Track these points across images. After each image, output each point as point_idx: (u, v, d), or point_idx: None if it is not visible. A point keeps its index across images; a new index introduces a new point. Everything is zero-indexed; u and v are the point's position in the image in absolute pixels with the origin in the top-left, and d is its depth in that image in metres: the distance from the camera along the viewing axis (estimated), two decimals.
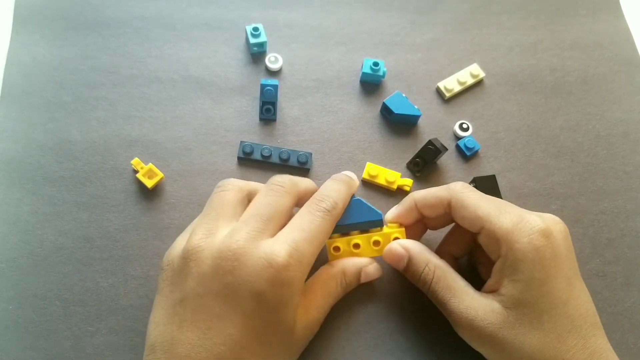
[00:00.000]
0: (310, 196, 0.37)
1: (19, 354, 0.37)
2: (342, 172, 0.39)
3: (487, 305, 0.33)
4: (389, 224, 0.39)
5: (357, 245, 0.38)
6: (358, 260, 0.38)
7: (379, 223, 0.38)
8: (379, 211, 0.38)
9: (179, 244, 0.35)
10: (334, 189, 0.37)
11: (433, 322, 0.39)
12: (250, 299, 0.31)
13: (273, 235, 0.34)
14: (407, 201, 0.39)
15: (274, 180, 0.36)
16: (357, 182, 0.40)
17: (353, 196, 0.39)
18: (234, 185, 0.37)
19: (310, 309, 0.35)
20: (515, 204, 0.43)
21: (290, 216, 0.35)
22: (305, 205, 0.36)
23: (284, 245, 0.32)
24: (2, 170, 0.42)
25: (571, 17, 0.53)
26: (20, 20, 0.48)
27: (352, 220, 0.38)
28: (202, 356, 0.30)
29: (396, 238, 0.38)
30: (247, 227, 0.33)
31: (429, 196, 0.37)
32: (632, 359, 0.40)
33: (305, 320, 0.35)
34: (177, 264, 0.33)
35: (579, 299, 0.33)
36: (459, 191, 0.36)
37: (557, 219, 0.35)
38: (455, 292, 0.35)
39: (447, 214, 0.37)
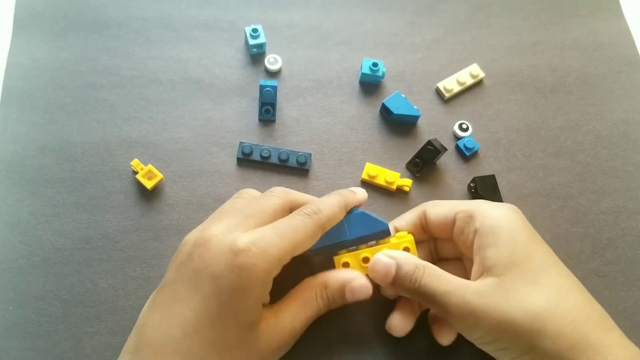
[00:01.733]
0: None
1: (19, 354, 0.37)
2: (349, 188, 0.39)
3: (478, 282, 0.33)
4: (396, 235, 0.38)
5: (366, 259, 0.37)
6: (343, 273, 0.36)
7: (386, 233, 0.37)
8: (385, 221, 0.37)
9: None
10: (323, 199, 0.37)
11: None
12: (209, 282, 0.31)
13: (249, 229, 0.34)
14: (416, 209, 0.39)
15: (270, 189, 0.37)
16: (359, 196, 0.38)
17: (355, 209, 0.38)
18: (279, 192, 0.37)
19: (282, 315, 0.34)
20: (515, 204, 0.43)
21: (276, 219, 0.35)
22: None
23: (251, 234, 0.32)
24: (2, 172, 0.42)
25: (571, 17, 0.53)
26: (21, 22, 0.48)
27: (358, 235, 0.37)
28: (158, 336, 0.31)
29: (406, 248, 0.37)
30: (227, 221, 0.34)
31: (403, 223, 0.39)
32: None
33: (275, 325, 0.33)
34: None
35: (558, 262, 0.35)
36: (421, 205, 0.39)
37: (506, 203, 0.37)
38: (446, 280, 0.34)
39: (453, 241, 0.38)
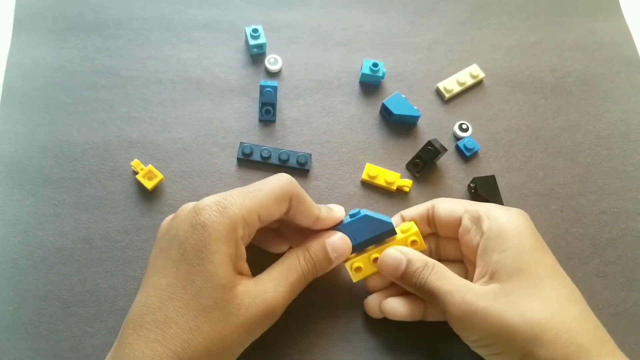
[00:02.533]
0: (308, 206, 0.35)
1: (19, 354, 0.37)
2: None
3: (480, 285, 0.33)
4: (401, 227, 0.38)
5: (377, 260, 0.37)
6: (320, 234, 0.36)
7: (391, 232, 0.37)
8: (388, 220, 0.37)
9: None
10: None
11: (433, 325, 0.39)
12: (177, 246, 0.32)
13: None
14: (426, 203, 0.40)
15: None
16: (336, 214, 0.37)
17: (360, 210, 0.38)
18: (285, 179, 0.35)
19: (263, 281, 0.33)
20: (515, 205, 0.44)
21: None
22: None
23: (216, 196, 0.33)
24: (3, 172, 0.42)
25: (571, 18, 0.53)
26: (21, 22, 0.48)
27: (364, 237, 0.37)
28: (137, 309, 0.31)
29: (413, 241, 0.37)
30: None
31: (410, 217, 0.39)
32: None
33: (254, 289, 0.32)
34: None
35: (562, 270, 0.35)
36: (431, 201, 0.39)
37: (515, 208, 0.37)
38: (450, 279, 0.34)
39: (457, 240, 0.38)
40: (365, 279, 0.38)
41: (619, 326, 0.41)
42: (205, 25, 0.50)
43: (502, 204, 0.43)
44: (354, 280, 0.37)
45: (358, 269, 0.37)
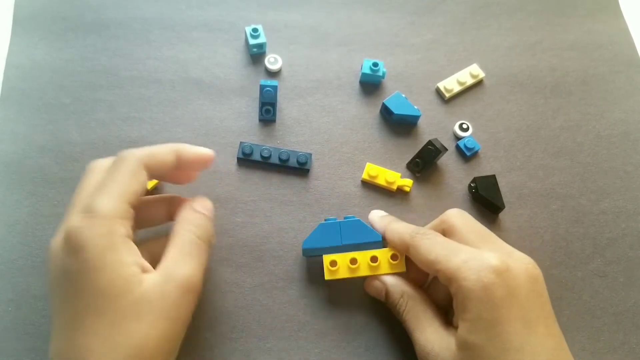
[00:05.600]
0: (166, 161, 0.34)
1: (19, 355, 0.37)
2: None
3: (445, 341, 0.33)
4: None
5: (354, 261, 0.38)
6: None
7: (378, 245, 0.38)
8: (379, 234, 0.39)
9: None
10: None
11: None
12: (66, 282, 0.29)
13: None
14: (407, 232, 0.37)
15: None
16: (201, 152, 0.36)
17: (352, 217, 0.39)
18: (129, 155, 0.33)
19: (165, 268, 0.31)
20: (516, 204, 0.44)
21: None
22: None
23: (73, 212, 0.30)
24: (2, 172, 0.42)
25: (571, 18, 0.53)
26: (20, 22, 0.48)
27: (351, 241, 0.38)
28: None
29: (394, 255, 0.38)
30: (68, 212, 0.32)
31: (395, 237, 0.37)
32: (635, 359, 0.40)
33: (161, 280, 0.30)
34: None
35: (539, 346, 0.30)
36: (415, 238, 0.35)
37: (527, 259, 0.33)
38: (421, 323, 0.35)
39: None
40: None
41: (620, 326, 0.41)
42: (205, 25, 0.49)
43: (502, 203, 0.43)
44: (326, 278, 0.38)
45: (333, 263, 0.38)
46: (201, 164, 0.36)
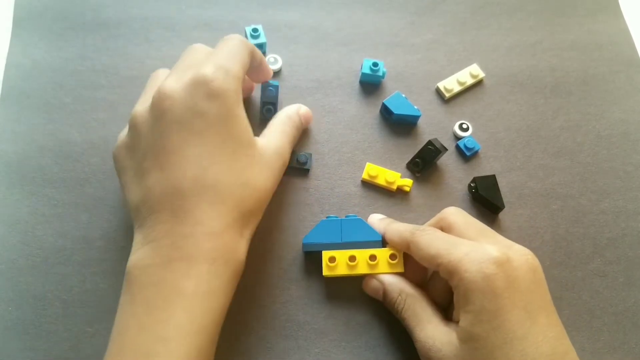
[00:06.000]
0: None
1: (19, 354, 0.37)
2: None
3: (446, 335, 0.33)
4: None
5: (352, 258, 0.38)
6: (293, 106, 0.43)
7: (378, 244, 0.39)
8: (379, 234, 0.39)
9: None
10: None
11: None
12: (198, 119, 0.33)
13: None
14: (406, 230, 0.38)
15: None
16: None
17: (354, 216, 0.40)
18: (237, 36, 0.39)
19: (271, 139, 0.39)
20: (516, 204, 0.44)
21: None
22: None
23: (206, 65, 0.34)
24: (2, 172, 0.42)
25: (570, 18, 0.53)
26: (20, 21, 0.48)
27: (351, 239, 0.39)
28: (184, 185, 0.33)
29: (392, 255, 0.38)
30: (172, 73, 0.36)
31: (395, 236, 0.38)
32: (635, 359, 0.40)
33: (267, 145, 0.38)
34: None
35: (541, 335, 0.30)
36: (415, 234, 0.36)
37: (526, 251, 0.34)
38: (421, 320, 0.35)
39: None
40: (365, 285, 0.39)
41: (620, 326, 0.41)
42: (205, 25, 0.49)
43: (502, 203, 0.43)
44: (324, 274, 0.38)
45: (332, 259, 0.38)
46: (264, 74, 0.43)
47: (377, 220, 0.41)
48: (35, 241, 0.40)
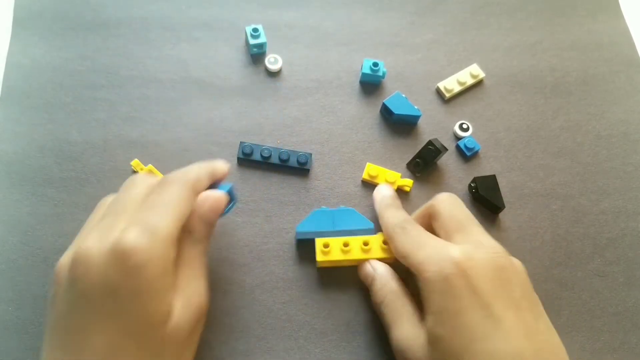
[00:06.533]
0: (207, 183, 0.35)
1: (19, 354, 0.37)
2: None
3: (419, 337, 0.33)
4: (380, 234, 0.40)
5: (346, 244, 0.39)
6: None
7: (370, 232, 0.40)
8: (371, 222, 0.40)
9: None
10: (186, 167, 0.35)
11: None
12: (107, 299, 0.28)
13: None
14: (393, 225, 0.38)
15: None
16: (223, 167, 0.37)
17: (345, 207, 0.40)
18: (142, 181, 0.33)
19: (184, 288, 0.31)
20: (516, 204, 0.44)
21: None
22: None
23: (131, 227, 0.28)
24: (2, 172, 0.42)
25: (570, 18, 0.53)
26: (20, 21, 0.48)
27: (344, 227, 0.40)
28: None
29: (385, 241, 0.39)
30: (98, 225, 0.30)
31: (382, 226, 0.38)
32: (635, 359, 0.40)
33: (182, 303, 0.30)
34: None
35: (507, 334, 0.29)
36: (394, 231, 0.37)
37: (496, 248, 0.33)
38: (399, 318, 0.35)
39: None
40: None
41: (620, 326, 0.41)
42: (205, 24, 0.49)
43: (502, 203, 0.43)
44: (317, 259, 0.39)
45: (326, 245, 0.39)
46: (222, 179, 0.37)
47: (380, 197, 0.41)
48: (35, 241, 0.40)
